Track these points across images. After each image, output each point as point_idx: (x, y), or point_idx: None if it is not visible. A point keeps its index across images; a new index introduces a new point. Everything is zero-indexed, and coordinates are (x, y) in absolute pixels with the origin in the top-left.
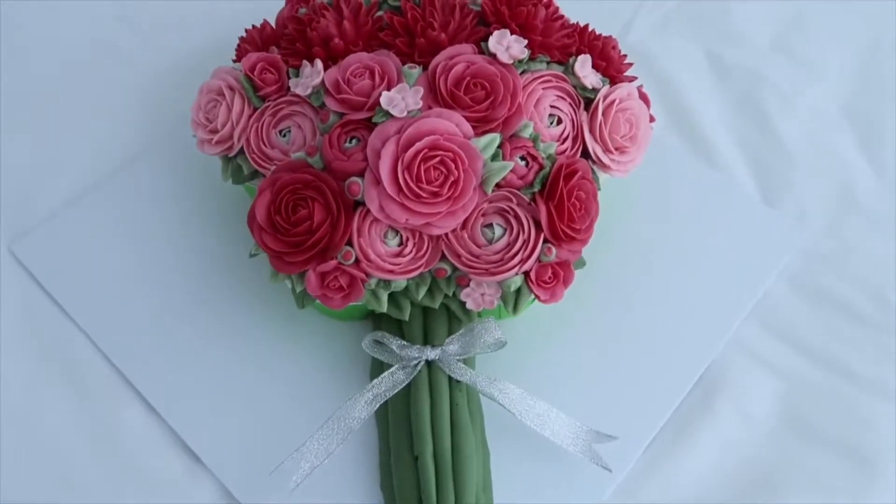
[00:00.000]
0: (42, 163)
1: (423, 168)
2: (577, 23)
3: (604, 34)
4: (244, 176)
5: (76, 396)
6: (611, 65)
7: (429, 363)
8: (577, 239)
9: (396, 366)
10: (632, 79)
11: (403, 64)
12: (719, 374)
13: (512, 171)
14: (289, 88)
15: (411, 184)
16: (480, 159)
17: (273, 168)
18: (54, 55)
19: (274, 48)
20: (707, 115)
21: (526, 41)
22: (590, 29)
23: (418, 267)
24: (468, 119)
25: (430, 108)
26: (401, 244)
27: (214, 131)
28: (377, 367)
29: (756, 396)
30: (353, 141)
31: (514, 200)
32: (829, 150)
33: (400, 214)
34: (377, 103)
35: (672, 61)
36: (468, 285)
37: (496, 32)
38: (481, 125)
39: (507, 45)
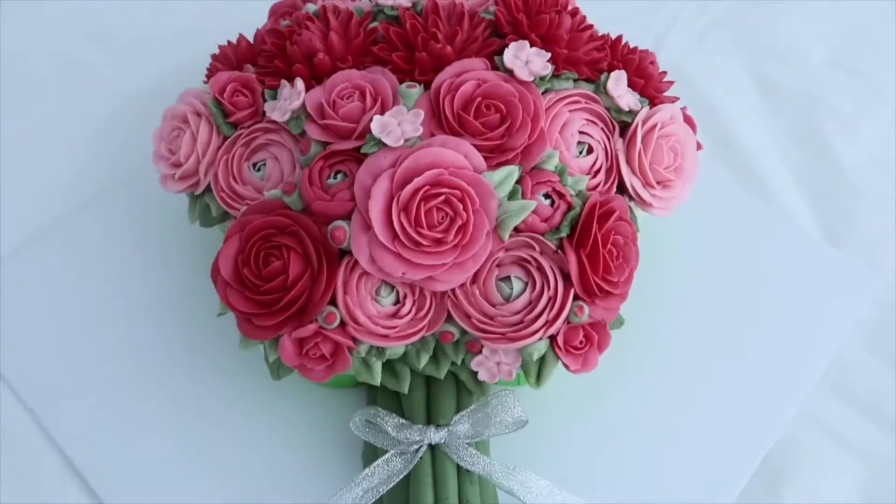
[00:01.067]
0: None
1: (423, 209)
2: (608, 34)
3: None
4: (213, 217)
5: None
6: (649, 82)
7: (432, 448)
8: (613, 294)
9: (393, 451)
10: (673, 99)
11: (401, 83)
12: (787, 456)
13: (534, 211)
14: (264, 113)
15: (409, 229)
16: (495, 198)
17: (243, 209)
18: (16, 75)
19: (249, 66)
20: (756, 141)
21: (549, 55)
22: (623, 41)
23: (419, 330)
24: (479, 148)
25: (432, 135)
26: (397, 302)
27: (178, 165)
28: (371, 451)
29: (832, 482)
30: (339, 176)
31: (537, 248)
32: None
33: (395, 267)
34: (368, 130)
35: (712, 81)
36: (480, 352)
37: (513, 44)
38: (495, 156)
39: (526, 59)
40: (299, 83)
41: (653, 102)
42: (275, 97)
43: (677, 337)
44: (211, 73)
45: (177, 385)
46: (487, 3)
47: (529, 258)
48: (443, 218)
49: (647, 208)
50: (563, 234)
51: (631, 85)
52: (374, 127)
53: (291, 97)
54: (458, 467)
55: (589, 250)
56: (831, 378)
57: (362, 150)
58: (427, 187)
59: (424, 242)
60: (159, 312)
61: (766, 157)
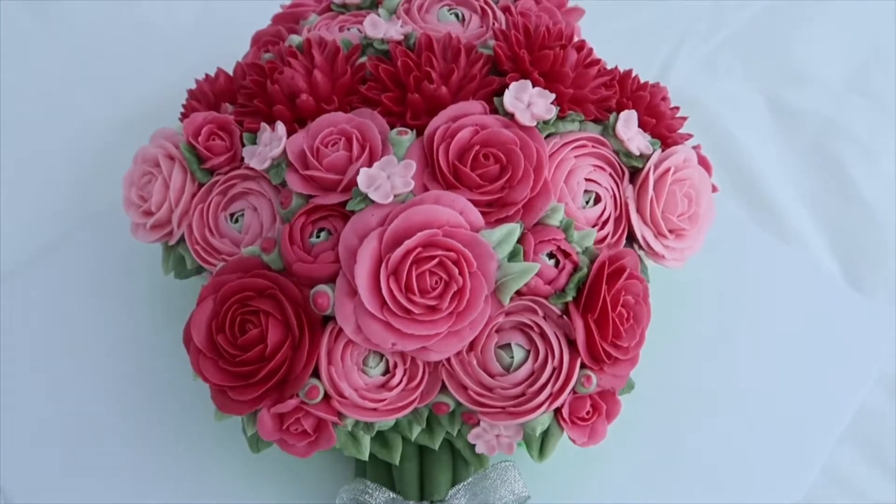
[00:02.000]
0: None
1: (415, 274)
2: (616, 68)
3: (650, 81)
4: (189, 270)
5: None
6: (661, 121)
7: None
8: (623, 360)
9: None
10: (687, 137)
11: (392, 127)
12: None
13: (537, 274)
14: (242, 158)
15: (399, 296)
16: (494, 259)
17: (219, 266)
18: None
19: (227, 106)
20: (771, 172)
21: (553, 95)
22: (633, 75)
23: (411, 403)
24: (477, 203)
25: (425, 188)
26: (386, 372)
27: (149, 213)
28: None
29: None
30: (322, 234)
31: (540, 313)
32: None
33: (385, 337)
34: (354, 183)
35: (724, 106)
36: (478, 424)
37: (514, 84)
38: (495, 211)
39: (528, 101)
40: (280, 127)
41: (665, 143)
42: (254, 141)
43: (688, 392)
44: (186, 111)
45: (150, 447)
46: (485, 35)
47: (532, 324)
48: (437, 283)
49: (659, 260)
50: (569, 298)
51: (641, 125)
52: (361, 181)
53: (272, 143)
54: None
55: (597, 315)
56: (855, 432)
57: (348, 207)
58: (419, 249)
59: (416, 311)
60: (132, 367)
61: (782, 190)
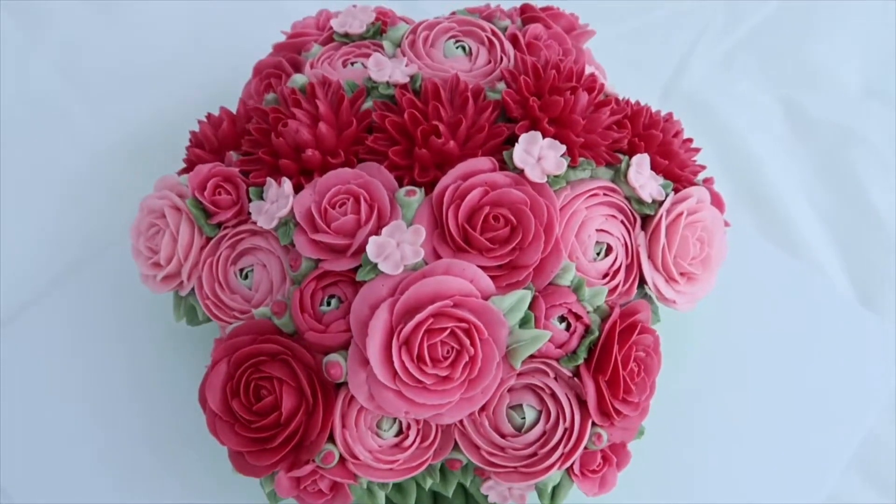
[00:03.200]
0: None
1: (426, 345)
2: (627, 102)
3: (662, 113)
4: (200, 319)
5: None
6: (674, 160)
7: None
8: (634, 414)
9: None
10: (700, 169)
11: (399, 181)
12: None
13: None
14: (250, 213)
15: (411, 368)
16: (505, 326)
17: (231, 328)
18: None
19: (232, 155)
20: (784, 183)
21: (563, 147)
22: (643, 106)
23: (424, 462)
24: (488, 269)
25: (434, 251)
26: (400, 433)
27: (159, 265)
28: None
29: None
30: (333, 301)
31: (551, 374)
32: None
33: (398, 406)
34: (363, 248)
35: (738, 113)
36: (490, 478)
37: (524, 137)
38: (506, 275)
39: (538, 154)
40: (287, 186)
41: (679, 182)
42: (260, 195)
43: (693, 414)
44: (189, 157)
45: (153, 447)
46: (494, 71)
47: (543, 385)
48: (448, 352)
49: (671, 305)
50: (580, 361)
51: (654, 166)
52: (371, 250)
53: (279, 200)
54: None
55: (609, 376)
56: (862, 458)
57: (358, 278)
58: (431, 320)
59: (429, 381)
60: (142, 404)
61: (794, 202)
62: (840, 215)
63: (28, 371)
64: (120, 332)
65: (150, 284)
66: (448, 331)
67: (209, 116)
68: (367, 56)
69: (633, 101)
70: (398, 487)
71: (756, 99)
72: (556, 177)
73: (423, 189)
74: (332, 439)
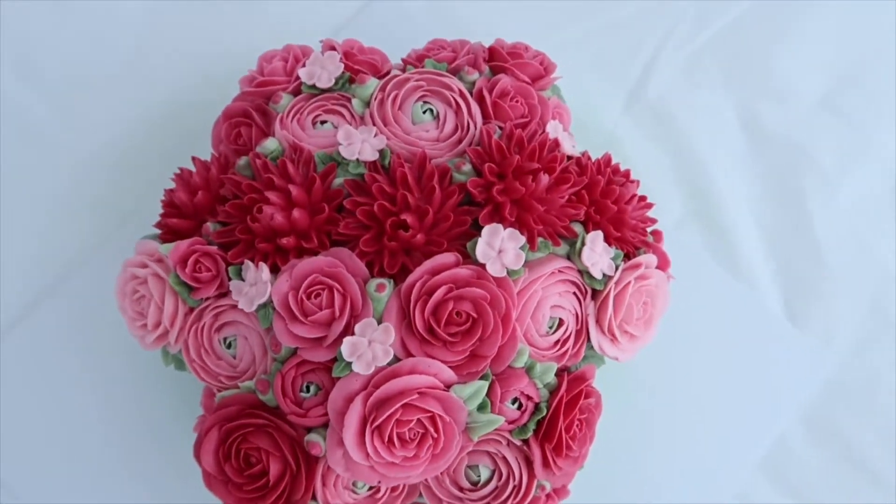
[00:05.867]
0: None
1: (395, 431)
2: (588, 166)
3: (619, 169)
4: (187, 368)
5: None
6: (625, 229)
7: None
8: (575, 465)
9: None
10: (651, 223)
11: (370, 269)
12: None
13: None
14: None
15: (382, 451)
16: (464, 411)
17: (220, 395)
18: None
19: (209, 225)
20: (735, 200)
21: (523, 239)
22: (601, 167)
23: None
24: (450, 363)
25: (402, 342)
26: (372, 488)
27: (146, 327)
28: None
29: None
30: (312, 388)
31: (504, 442)
32: (867, 252)
33: (371, 477)
34: (338, 342)
35: (698, 124)
36: None
37: (486, 230)
38: (466, 364)
39: (498, 247)
40: (265, 272)
41: (630, 248)
42: (238, 273)
43: (620, 414)
44: (164, 224)
45: (155, 448)
46: (462, 141)
47: (496, 451)
48: (414, 435)
49: (613, 359)
50: (529, 435)
51: (606, 237)
52: (345, 351)
53: (257, 285)
54: None
55: (554, 444)
56: (771, 460)
57: (334, 374)
58: (400, 412)
59: (398, 461)
60: (122, 426)
61: (742, 219)
62: (779, 233)
63: (29, 373)
64: (114, 337)
65: (141, 343)
66: (414, 420)
67: (183, 172)
68: (336, 113)
69: (591, 157)
70: None
71: (717, 108)
72: (515, 270)
73: (392, 280)
74: (313, 497)
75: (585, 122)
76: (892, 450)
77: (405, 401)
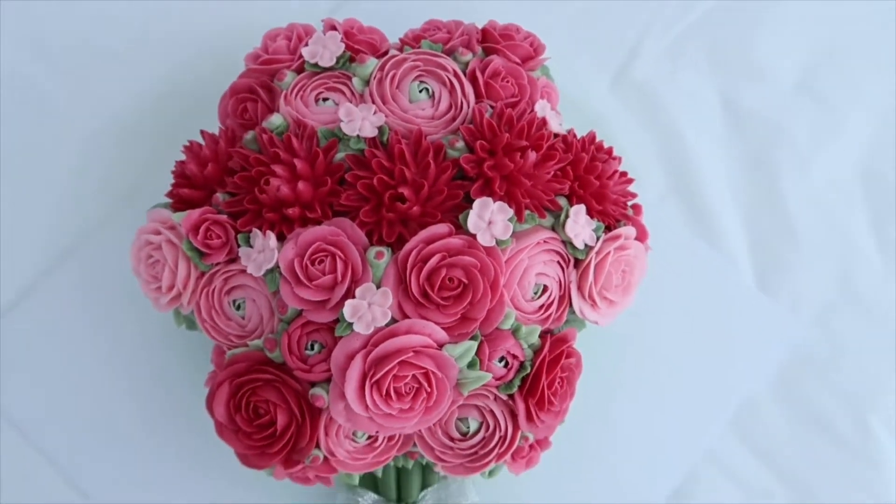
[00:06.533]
0: None
1: (392, 386)
2: (570, 133)
3: (603, 146)
4: (198, 327)
5: None
6: (607, 203)
7: None
8: (556, 419)
9: None
10: (631, 196)
11: (369, 238)
12: (690, 491)
13: None
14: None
15: (380, 403)
16: (455, 369)
17: (231, 352)
18: None
19: (219, 195)
20: (714, 178)
21: (511, 211)
22: (586, 144)
23: (390, 456)
24: (443, 324)
25: (399, 305)
26: (370, 437)
27: (160, 290)
28: None
29: None
30: (315, 346)
31: (491, 397)
32: (836, 228)
33: (370, 427)
34: (340, 304)
35: (681, 104)
36: None
37: (477, 203)
38: (458, 326)
39: (489, 219)
40: (272, 239)
41: (611, 220)
42: (247, 241)
43: (593, 377)
44: (175, 194)
45: (156, 446)
46: (456, 119)
47: (484, 405)
48: (410, 389)
49: (593, 324)
50: (514, 389)
51: (589, 210)
52: (347, 312)
53: (265, 252)
54: None
55: (537, 399)
56: (739, 421)
57: (336, 333)
58: (396, 368)
59: (394, 412)
60: (139, 380)
61: (720, 195)
62: (754, 208)
63: (47, 337)
64: (127, 301)
65: (156, 304)
66: (409, 376)
67: (192, 145)
68: (338, 91)
69: (577, 134)
70: None
71: (700, 91)
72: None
73: (389, 249)
74: (317, 445)
75: (573, 100)
76: (853, 411)
77: (401, 358)
